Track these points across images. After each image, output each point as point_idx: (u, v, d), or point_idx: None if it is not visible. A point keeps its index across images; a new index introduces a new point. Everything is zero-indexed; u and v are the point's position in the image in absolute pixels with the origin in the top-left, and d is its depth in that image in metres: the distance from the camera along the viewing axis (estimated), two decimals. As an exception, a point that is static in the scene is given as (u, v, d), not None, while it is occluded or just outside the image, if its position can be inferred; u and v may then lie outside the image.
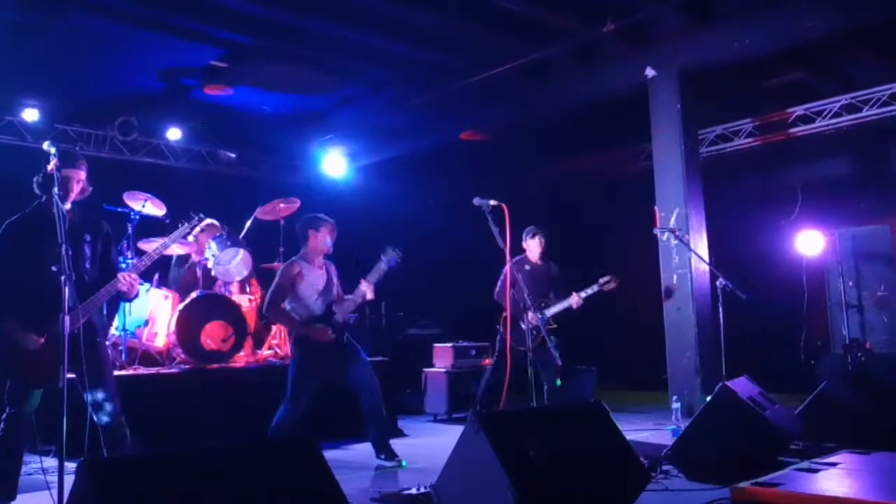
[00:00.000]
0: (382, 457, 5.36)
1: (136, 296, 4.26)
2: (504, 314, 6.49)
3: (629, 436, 3.89)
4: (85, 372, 3.69)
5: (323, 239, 5.52)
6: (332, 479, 2.77)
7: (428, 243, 10.70)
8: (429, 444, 6.34)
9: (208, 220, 6.81)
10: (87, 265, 4.05)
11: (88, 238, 4.08)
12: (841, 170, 9.89)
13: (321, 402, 5.43)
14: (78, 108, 9.22)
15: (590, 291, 6.61)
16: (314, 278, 5.44)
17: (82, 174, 4.05)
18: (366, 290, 5.35)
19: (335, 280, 5.56)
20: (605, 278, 6.66)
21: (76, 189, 4.01)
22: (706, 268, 7.31)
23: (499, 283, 6.66)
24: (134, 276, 4.09)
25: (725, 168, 9.93)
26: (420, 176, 11.42)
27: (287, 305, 5.40)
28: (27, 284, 3.83)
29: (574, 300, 6.57)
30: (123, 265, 5.12)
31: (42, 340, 3.80)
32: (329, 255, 5.61)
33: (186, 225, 4.54)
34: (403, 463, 5.31)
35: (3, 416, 3.90)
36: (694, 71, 7.72)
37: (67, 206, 3.88)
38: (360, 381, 5.37)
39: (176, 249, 7.06)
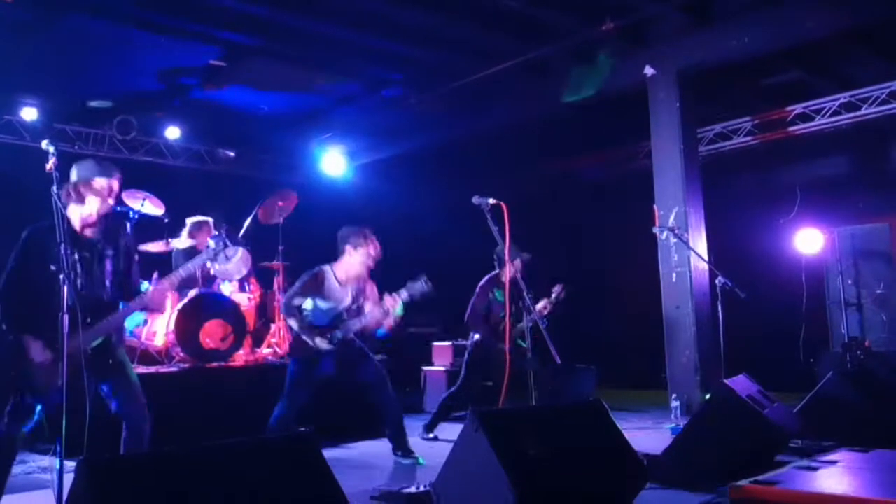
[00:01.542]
0: (399, 454, 5.48)
1: (163, 311, 4.12)
2: (474, 335, 6.48)
3: (628, 434, 3.89)
4: (111, 392, 3.82)
5: (358, 260, 5.45)
6: (331, 478, 2.77)
7: (427, 242, 10.70)
8: (428, 443, 6.34)
9: (241, 250, 6.82)
10: (108, 282, 3.95)
11: (111, 253, 3.97)
12: (840, 168, 9.89)
13: (320, 401, 5.44)
14: (76, 108, 9.22)
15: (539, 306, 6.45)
16: (336, 295, 5.42)
17: (116, 184, 3.93)
18: (386, 310, 5.34)
19: (364, 299, 5.52)
20: (556, 289, 6.65)
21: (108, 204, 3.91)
22: (705, 266, 7.31)
23: (470, 309, 6.50)
24: (165, 288, 4.01)
25: (724, 166, 9.94)
26: (419, 174, 11.42)
27: (302, 303, 5.41)
28: (45, 298, 3.65)
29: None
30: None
31: (51, 356, 3.68)
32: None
33: (211, 250, 4.42)
34: (420, 460, 5.38)
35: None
36: (693, 69, 7.73)
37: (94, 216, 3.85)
38: (373, 386, 5.44)
39: (177, 245, 7.06)
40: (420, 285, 5.36)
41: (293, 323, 5.38)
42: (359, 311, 5.46)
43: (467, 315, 6.52)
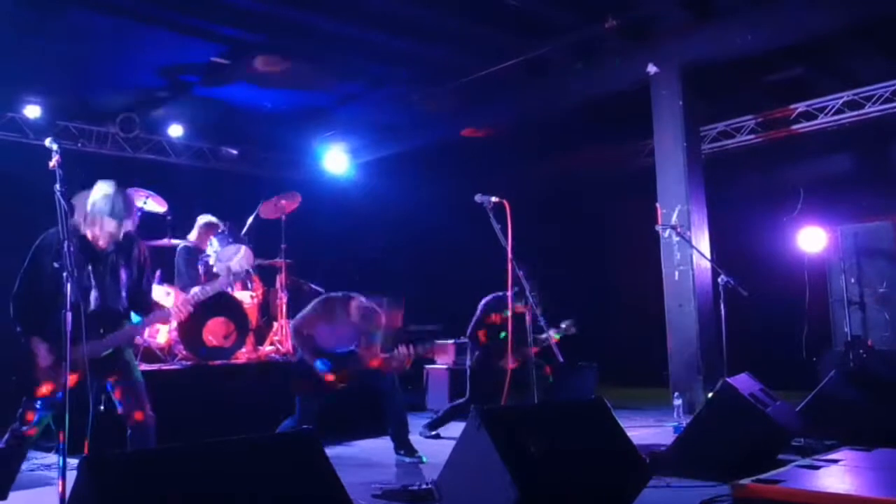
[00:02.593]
0: (402, 452, 5.49)
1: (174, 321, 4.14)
2: (475, 351, 6.52)
3: (630, 432, 3.89)
4: (115, 394, 3.85)
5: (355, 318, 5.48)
6: (333, 475, 2.77)
7: (429, 240, 10.71)
8: (431, 441, 6.34)
9: (243, 248, 6.84)
10: (123, 293, 3.96)
11: (124, 263, 3.99)
12: (843, 166, 9.88)
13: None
14: (80, 105, 9.22)
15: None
16: (344, 331, 5.46)
17: (128, 225, 3.92)
18: (397, 359, 5.37)
19: (369, 337, 5.55)
20: (567, 322, 6.55)
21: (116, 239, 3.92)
22: (708, 264, 7.30)
23: (472, 325, 6.51)
24: (188, 304, 3.99)
25: (727, 165, 9.91)
26: (421, 172, 11.42)
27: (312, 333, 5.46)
28: (56, 303, 3.61)
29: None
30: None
31: (55, 359, 3.68)
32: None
33: (227, 280, 4.38)
34: (424, 458, 5.40)
35: (12, 428, 3.83)
36: (696, 67, 7.71)
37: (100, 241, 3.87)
38: (381, 384, 5.48)
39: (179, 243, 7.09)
40: (432, 346, 5.44)
41: (302, 351, 5.43)
42: (368, 341, 5.52)
43: (469, 331, 6.55)
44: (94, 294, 3.85)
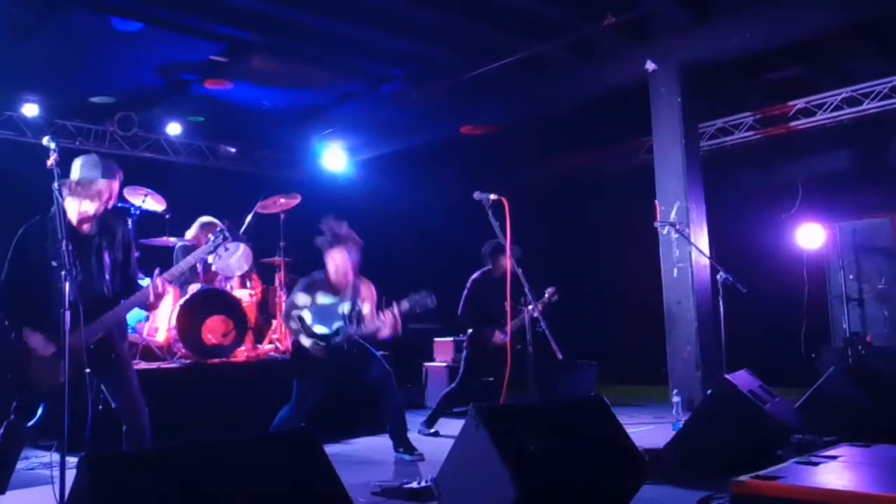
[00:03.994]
0: (401, 450, 5.47)
1: (157, 307, 4.14)
2: (469, 330, 6.54)
3: (629, 430, 3.89)
4: (109, 387, 3.82)
5: (342, 259, 5.34)
6: (332, 473, 2.77)
7: (428, 237, 10.70)
8: (430, 439, 6.35)
9: (242, 246, 6.82)
10: (108, 276, 3.91)
11: (108, 246, 3.94)
12: (841, 163, 9.88)
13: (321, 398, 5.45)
14: (78, 103, 9.21)
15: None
16: (330, 301, 5.41)
17: (116, 186, 3.88)
18: (386, 324, 5.24)
19: (361, 300, 5.48)
20: (549, 291, 6.56)
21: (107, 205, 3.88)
22: (707, 261, 7.31)
23: (462, 304, 6.54)
24: (166, 285, 3.93)
25: (726, 162, 9.92)
26: (420, 170, 11.42)
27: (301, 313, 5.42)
28: (44, 293, 3.66)
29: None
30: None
31: (53, 350, 3.68)
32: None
33: (211, 243, 4.39)
34: (423, 456, 5.38)
35: (6, 422, 3.80)
36: (694, 65, 7.71)
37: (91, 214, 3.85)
38: (378, 383, 5.44)
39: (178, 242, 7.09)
40: (424, 300, 5.29)
41: (295, 332, 5.40)
42: (358, 314, 5.44)
43: (459, 310, 6.54)
44: (78, 278, 3.81)
